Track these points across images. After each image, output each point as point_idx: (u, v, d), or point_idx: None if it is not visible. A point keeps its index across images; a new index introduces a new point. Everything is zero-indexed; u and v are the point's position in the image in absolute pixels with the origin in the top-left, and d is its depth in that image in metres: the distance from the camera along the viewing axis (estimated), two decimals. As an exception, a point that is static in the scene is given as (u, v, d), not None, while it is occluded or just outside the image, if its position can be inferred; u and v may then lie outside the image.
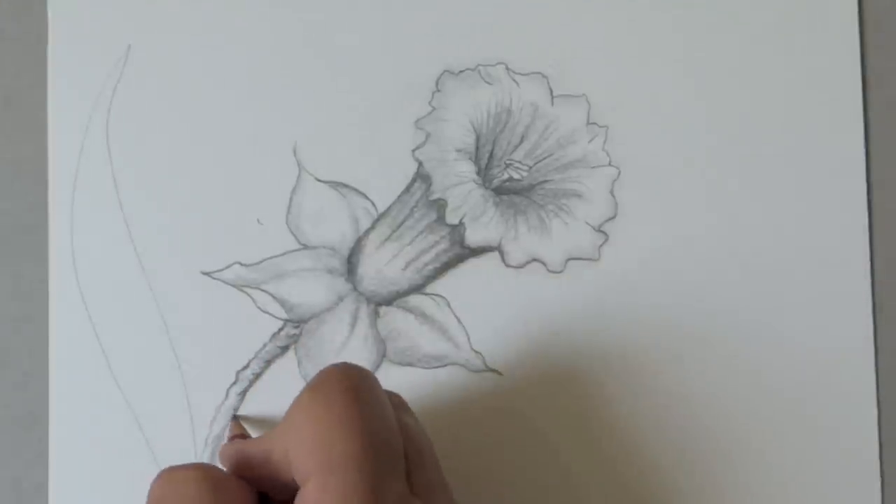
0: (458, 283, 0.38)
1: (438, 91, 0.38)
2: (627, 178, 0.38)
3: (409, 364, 0.37)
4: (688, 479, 0.37)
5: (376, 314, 0.38)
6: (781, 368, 0.37)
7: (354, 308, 0.38)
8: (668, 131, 0.38)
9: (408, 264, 0.38)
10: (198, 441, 0.37)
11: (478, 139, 0.38)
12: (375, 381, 0.31)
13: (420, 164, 0.38)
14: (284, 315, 0.38)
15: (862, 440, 0.37)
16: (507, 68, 0.39)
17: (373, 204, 0.38)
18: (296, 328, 0.38)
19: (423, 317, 0.38)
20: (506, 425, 0.37)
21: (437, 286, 0.38)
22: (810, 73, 0.39)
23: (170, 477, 0.30)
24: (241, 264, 0.38)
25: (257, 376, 0.37)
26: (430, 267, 0.38)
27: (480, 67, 0.39)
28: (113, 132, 0.38)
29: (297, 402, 0.30)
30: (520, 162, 0.38)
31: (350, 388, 0.29)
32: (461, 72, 0.39)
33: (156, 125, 0.38)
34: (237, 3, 0.39)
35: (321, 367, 0.31)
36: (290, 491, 0.30)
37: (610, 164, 0.38)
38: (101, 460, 0.37)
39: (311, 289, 0.38)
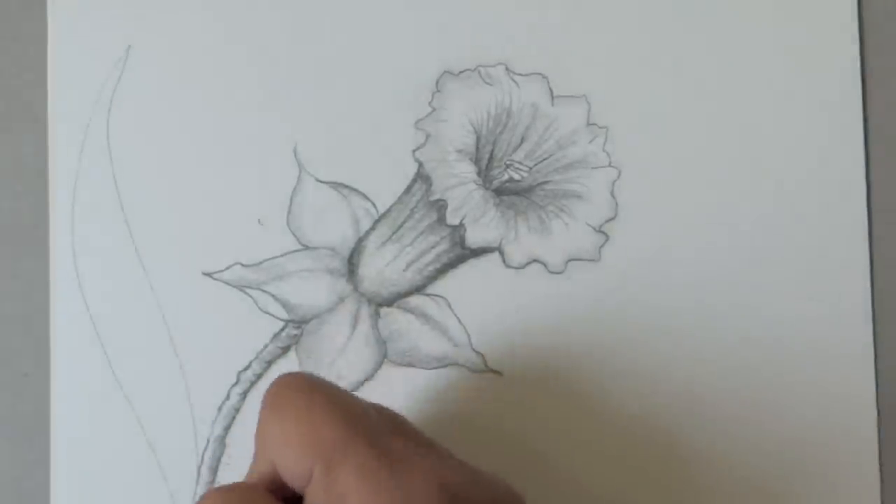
0: (459, 284, 0.38)
1: (438, 92, 0.38)
2: (628, 178, 0.38)
3: (410, 365, 0.37)
4: (687, 478, 0.37)
5: (377, 315, 0.38)
6: (781, 368, 0.38)
7: (355, 309, 0.38)
8: (668, 131, 0.38)
9: (408, 265, 0.38)
10: (199, 441, 0.37)
11: (478, 140, 0.38)
12: (321, 378, 0.30)
13: (420, 164, 0.38)
14: (285, 316, 0.38)
15: (862, 440, 0.37)
16: (507, 69, 0.38)
17: (373, 205, 0.38)
18: (297, 329, 0.38)
19: (424, 317, 0.38)
20: (506, 425, 0.37)
21: (437, 287, 0.38)
22: (810, 73, 0.39)
23: None
24: (242, 265, 0.38)
25: (258, 377, 0.37)
26: (431, 268, 0.38)
27: (480, 68, 0.39)
28: (113, 132, 0.38)
29: (261, 419, 0.29)
30: (520, 163, 0.38)
31: (303, 384, 0.29)
32: (461, 72, 0.38)
33: (156, 125, 0.38)
34: (237, 3, 0.39)
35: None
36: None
37: (610, 165, 0.38)
38: (102, 460, 0.37)
39: (312, 289, 0.38)
